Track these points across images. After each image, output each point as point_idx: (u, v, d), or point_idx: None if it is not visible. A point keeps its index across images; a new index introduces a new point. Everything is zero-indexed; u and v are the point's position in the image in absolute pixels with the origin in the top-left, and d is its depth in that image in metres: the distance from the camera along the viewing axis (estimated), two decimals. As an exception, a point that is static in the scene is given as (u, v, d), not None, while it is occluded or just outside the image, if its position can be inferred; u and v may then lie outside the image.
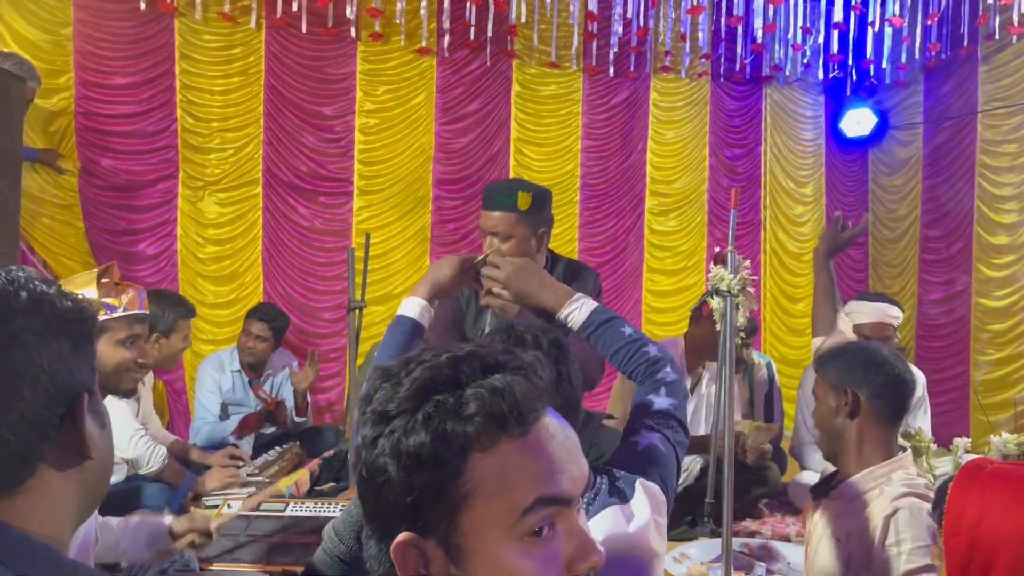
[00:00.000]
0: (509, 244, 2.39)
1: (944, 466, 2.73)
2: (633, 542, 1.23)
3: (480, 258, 1.84)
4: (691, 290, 5.87)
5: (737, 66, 5.72)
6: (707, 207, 6.03)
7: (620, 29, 5.29)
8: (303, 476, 2.97)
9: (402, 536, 0.76)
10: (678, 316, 5.75)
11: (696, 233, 5.98)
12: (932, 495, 1.78)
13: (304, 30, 4.95)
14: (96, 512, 1.71)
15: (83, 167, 4.67)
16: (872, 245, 6.39)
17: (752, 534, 3.30)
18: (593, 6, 4.98)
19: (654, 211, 5.88)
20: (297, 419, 4.03)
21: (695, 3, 4.95)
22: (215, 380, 4.08)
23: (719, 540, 2.19)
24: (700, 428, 3.73)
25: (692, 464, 3.59)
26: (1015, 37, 4.93)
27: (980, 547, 1.08)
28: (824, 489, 2.01)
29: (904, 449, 1.99)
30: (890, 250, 6.20)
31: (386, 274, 5.26)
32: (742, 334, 3.46)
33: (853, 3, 5.04)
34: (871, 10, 4.96)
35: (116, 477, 3.06)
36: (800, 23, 5.17)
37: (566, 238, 5.67)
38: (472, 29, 5.03)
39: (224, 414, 4.04)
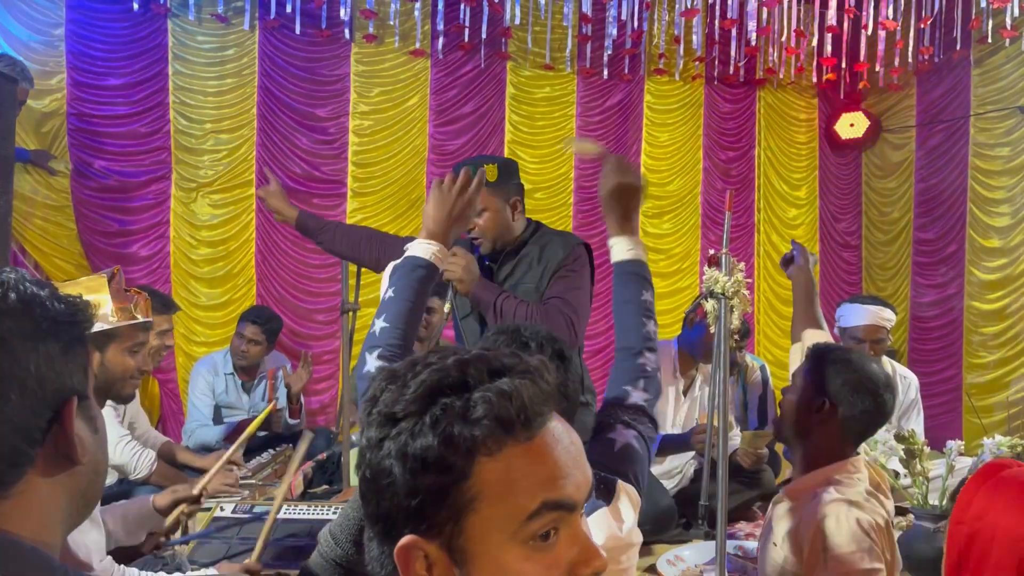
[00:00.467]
0: (485, 217, 2.46)
1: (938, 468, 2.74)
2: (624, 544, 1.23)
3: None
4: (685, 293, 5.88)
5: (731, 69, 5.73)
6: (701, 210, 6.04)
7: (614, 32, 5.30)
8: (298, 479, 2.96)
9: (406, 539, 0.76)
10: (672, 319, 5.75)
11: (690, 236, 5.99)
12: (865, 502, 1.81)
13: (298, 31, 4.94)
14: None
15: (75, 168, 4.66)
16: (865, 248, 6.41)
17: (746, 537, 3.30)
18: (587, 8, 4.99)
19: (648, 213, 5.88)
20: (290, 421, 4.02)
21: (689, 6, 4.96)
22: (208, 383, 4.06)
23: (713, 543, 2.19)
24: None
25: (686, 467, 3.59)
26: (1008, 41, 4.94)
27: (979, 539, 1.13)
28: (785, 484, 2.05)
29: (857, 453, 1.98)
30: (883, 253, 6.21)
31: (380, 276, 5.25)
32: (736, 337, 3.48)
33: (847, 6, 5.05)
34: (864, 13, 4.97)
35: (107, 480, 3.04)
36: (794, 26, 5.18)
37: (560, 240, 5.66)
38: (466, 31, 5.02)
39: (217, 417, 4.03)
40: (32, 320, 0.78)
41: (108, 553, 1.94)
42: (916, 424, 3.69)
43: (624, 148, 5.87)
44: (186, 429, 4.03)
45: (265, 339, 4.12)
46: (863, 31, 5.16)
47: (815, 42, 5.66)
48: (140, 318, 2.00)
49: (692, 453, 3.55)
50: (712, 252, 2.20)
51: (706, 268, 2.20)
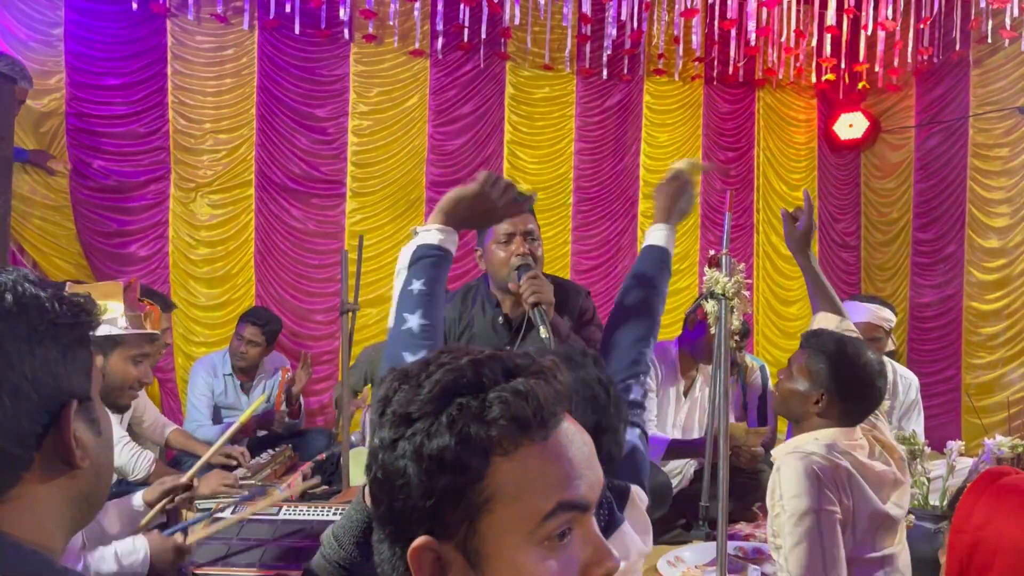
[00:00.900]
0: (537, 245, 2.34)
1: (938, 469, 2.74)
2: (647, 552, 1.25)
3: (519, 191, 1.68)
4: (684, 293, 5.87)
5: (730, 69, 5.73)
6: (700, 210, 6.03)
7: (614, 32, 5.30)
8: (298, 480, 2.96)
9: (420, 540, 0.75)
10: (671, 319, 5.74)
11: (689, 236, 5.99)
12: (826, 453, 1.87)
13: (297, 31, 4.94)
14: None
15: (74, 168, 4.65)
16: (864, 248, 6.41)
17: (746, 537, 3.30)
18: (587, 9, 4.99)
19: (647, 214, 5.87)
20: (289, 421, 4.02)
21: (689, 6, 4.96)
22: (207, 383, 4.06)
23: (713, 543, 2.19)
24: (694, 431, 3.73)
25: (686, 467, 3.59)
26: (1007, 41, 4.94)
27: (982, 549, 1.12)
28: None
29: None
30: (882, 253, 6.22)
31: (379, 276, 5.24)
32: (736, 337, 3.48)
33: (846, 7, 5.05)
34: (864, 14, 4.97)
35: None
36: (793, 26, 5.19)
37: (559, 241, 5.66)
38: (466, 31, 5.02)
39: (216, 417, 4.03)
40: (28, 323, 0.77)
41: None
42: (917, 425, 3.69)
43: (623, 148, 5.87)
44: (185, 429, 4.02)
45: (264, 340, 4.11)
46: (862, 31, 5.16)
47: (814, 42, 5.66)
48: (149, 329, 2.01)
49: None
50: (712, 253, 2.20)
51: (706, 269, 2.19)
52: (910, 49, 5.10)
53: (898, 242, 6.06)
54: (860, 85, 5.81)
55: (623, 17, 5.08)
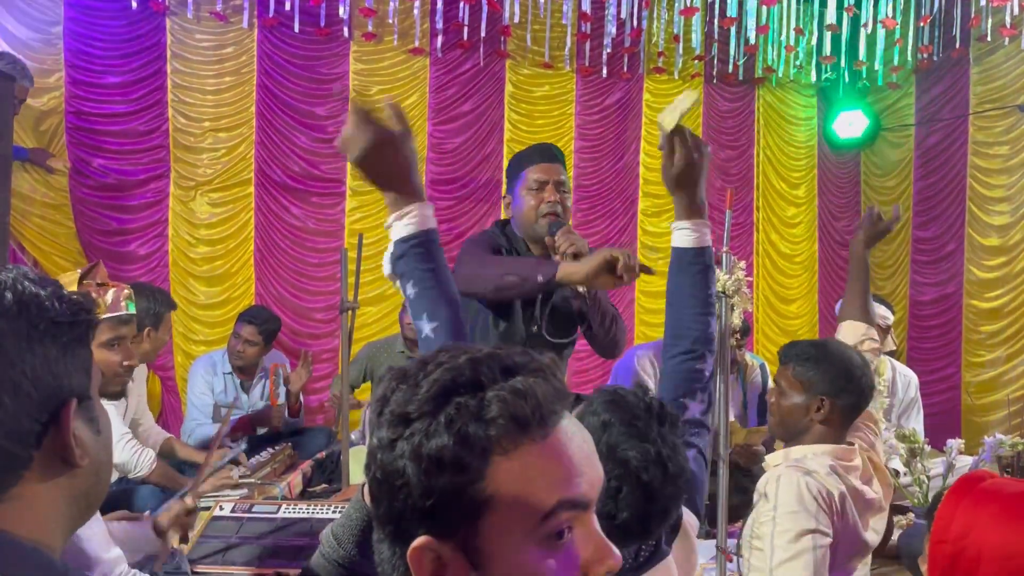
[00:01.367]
0: (567, 195, 2.36)
1: (938, 467, 2.74)
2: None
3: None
4: (684, 291, 5.87)
5: (730, 67, 5.72)
6: (700, 208, 6.02)
7: (613, 30, 5.29)
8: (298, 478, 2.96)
9: (420, 540, 0.75)
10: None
11: (689, 234, 5.98)
12: (827, 475, 1.85)
13: (297, 29, 4.93)
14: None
15: (74, 167, 4.64)
16: (864, 246, 6.41)
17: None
18: (586, 7, 4.99)
19: (647, 212, 5.87)
20: (289, 420, 4.01)
21: (688, 4, 4.95)
22: (207, 382, 4.05)
23: (713, 542, 2.19)
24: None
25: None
26: (1007, 39, 4.95)
27: (963, 559, 1.08)
28: None
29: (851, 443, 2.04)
30: (882, 251, 6.21)
31: (379, 275, 5.21)
32: (736, 335, 3.48)
33: (846, 5, 5.05)
34: (864, 12, 4.97)
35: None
36: (793, 25, 5.18)
37: (559, 239, 5.65)
38: (465, 29, 5.01)
39: (216, 416, 4.02)
40: (28, 322, 0.77)
41: None
42: (916, 423, 3.69)
43: (623, 147, 5.87)
44: (185, 428, 4.02)
45: (262, 340, 4.09)
46: (862, 29, 5.16)
47: (814, 40, 5.66)
48: (106, 314, 1.96)
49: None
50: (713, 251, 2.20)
51: (706, 267, 2.19)
52: (910, 47, 5.11)
53: (898, 240, 6.06)
54: (860, 83, 5.81)
55: (623, 15, 5.08)
